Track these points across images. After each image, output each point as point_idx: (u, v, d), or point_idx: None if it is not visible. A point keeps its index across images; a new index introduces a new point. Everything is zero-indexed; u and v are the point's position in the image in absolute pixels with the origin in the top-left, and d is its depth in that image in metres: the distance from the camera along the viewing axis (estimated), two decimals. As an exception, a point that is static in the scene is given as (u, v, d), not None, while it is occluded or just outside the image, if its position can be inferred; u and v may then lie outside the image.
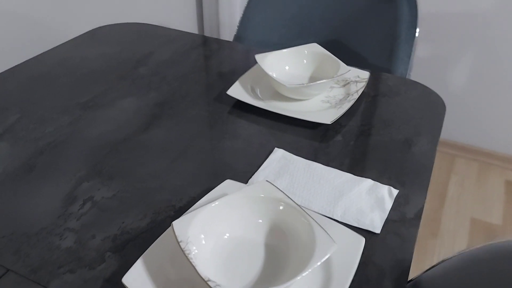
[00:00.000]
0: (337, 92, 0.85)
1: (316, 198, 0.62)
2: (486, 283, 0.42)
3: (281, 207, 0.54)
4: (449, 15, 1.62)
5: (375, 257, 0.54)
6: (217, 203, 0.53)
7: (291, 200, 0.54)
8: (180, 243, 0.48)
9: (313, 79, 0.88)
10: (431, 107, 0.84)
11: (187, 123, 0.79)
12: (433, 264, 0.57)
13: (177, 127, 0.78)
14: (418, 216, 0.60)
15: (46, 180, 0.66)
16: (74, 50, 1.05)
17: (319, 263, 0.46)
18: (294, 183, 0.64)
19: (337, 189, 0.63)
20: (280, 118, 0.78)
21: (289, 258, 0.51)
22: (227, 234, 0.54)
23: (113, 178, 0.67)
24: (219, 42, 1.12)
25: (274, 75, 0.84)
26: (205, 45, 1.09)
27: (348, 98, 0.82)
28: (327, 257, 0.46)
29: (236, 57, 1.07)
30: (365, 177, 0.65)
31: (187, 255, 0.47)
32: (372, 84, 0.89)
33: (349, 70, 0.83)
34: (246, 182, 0.65)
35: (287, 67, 0.89)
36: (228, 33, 1.77)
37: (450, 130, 1.77)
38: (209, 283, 0.44)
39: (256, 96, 0.84)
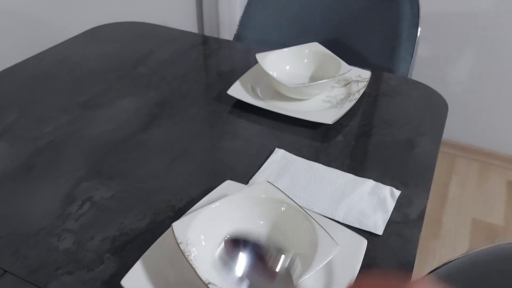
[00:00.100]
0: (338, 92, 0.84)
1: (318, 199, 0.61)
2: (491, 285, 0.41)
3: (282, 209, 0.53)
4: (451, 15, 1.61)
5: (378, 259, 0.54)
6: (217, 204, 0.52)
7: (292, 201, 0.53)
8: (180, 245, 0.47)
9: (314, 78, 0.88)
10: (433, 107, 0.83)
11: (187, 123, 0.79)
12: (435, 266, 0.57)
13: (177, 127, 0.77)
14: (420, 217, 0.59)
15: (45, 180, 0.66)
16: (74, 49, 1.04)
17: (321, 265, 0.45)
18: (295, 184, 0.64)
19: (338, 190, 0.62)
20: (280, 118, 0.78)
21: (291, 260, 0.50)
22: (228, 236, 0.53)
23: (113, 178, 0.66)
24: (219, 41, 1.12)
25: (275, 75, 0.83)
26: (205, 44, 1.09)
27: (349, 97, 0.81)
28: (329, 259, 0.45)
29: (236, 57, 1.06)
30: (367, 178, 0.65)
31: (187, 257, 0.46)
32: (373, 83, 0.89)
33: (350, 70, 0.83)
34: (246, 182, 0.64)
35: (287, 67, 0.88)
36: (228, 32, 1.76)
37: (451, 130, 1.76)
38: (210, 286, 0.43)
39: (256, 96, 0.83)
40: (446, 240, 1.49)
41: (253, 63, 0.88)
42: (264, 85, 0.86)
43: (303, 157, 0.69)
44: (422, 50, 1.66)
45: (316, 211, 0.59)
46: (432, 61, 1.71)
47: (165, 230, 0.54)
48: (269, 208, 0.54)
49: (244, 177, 0.65)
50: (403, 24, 1.15)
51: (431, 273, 0.59)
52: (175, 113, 0.81)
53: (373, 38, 1.21)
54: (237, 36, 1.25)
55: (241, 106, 0.81)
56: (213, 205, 0.52)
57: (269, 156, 0.69)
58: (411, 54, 1.14)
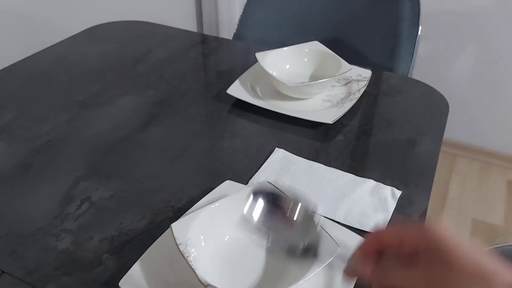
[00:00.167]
0: (339, 91, 0.84)
1: (318, 199, 0.60)
2: None
3: (282, 209, 0.53)
4: (452, 14, 1.61)
5: (378, 259, 0.53)
6: (217, 204, 0.52)
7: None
8: (179, 246, 0.47)
9: (314, 77, 0.87)
10: (434, 106, 0.83)
11: (186, 122, 0.78)
12: None
13: (176, 126, 0.77)
14: (422, 217, 0.59)
15: (43, 179, 0.65)
16: (72, 48, 1.03)
17: (321, 267, 0.44)
18: (295, 184, 0.63)
19: (339, 190, 0.62)
20: (280, 118, 0.77)
21: (291, 261, 0.50)
22: (227, 237, 0.52)
23: (111, 178, 0.66)
24: (219, 40, 1.11)
25: (275, 74, 0.83)
26: (204, 43, 1.08)
27: (350, 97, 0.81)
28: (330, 260, 0.45)
29: (236, 56, 1.05)
30: (368, 178, 0.64)
31: (186, 258, 0.45)
32: (373, 83, 0.88)
33: (351, 69, 0.82)
34: (246, 183, 0.63)
35: (287, 66, 0.88)
36: (227, 31, 1.75)
37: (451, 129, 1.75)
38: (209, 287, 0.43)
39: (256, 95, 0.83)
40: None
41: (252, 62, 0.88)
42: (264, 84, 0.85)
43: (303, 157, 0.68)
44: (421, 49, 1.66)
45: (316, 212, 0.58)
46: (432, 60, 1.71)
47: (164, 231, 0.54)
48: (269, 208, 0.53)
49: (244, 177, 0.65)
50: (404, 23, 1.15)
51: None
52: (174, 112, 0.81)
53: (373, 37, 1.21)
54: (237, 35, 1.24)
55: (240, 106, 0.81)
56: (213, 206, 0.52)
57: (269, 156, 0.69)
58: (412, 53, 1.13)
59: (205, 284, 0.43)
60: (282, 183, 0.63)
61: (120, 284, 0.47)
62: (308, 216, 0.38)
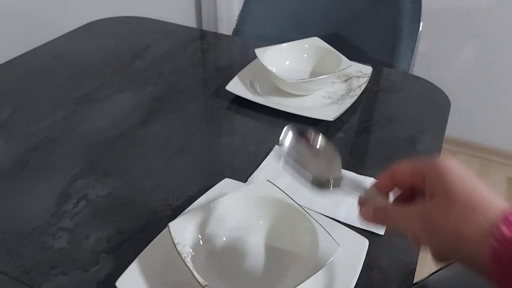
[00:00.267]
0: (339, 88, 0.83)
1: (318, 198, 0.60)
2: None
3: (282, 208, 0.52)
4: (453, 9, 1.60)
5: (380, 259, 0.52)
6: (215, 203, 0.51)
7: (292, 201, 0.52)
8: (177, 246, 0.46)
9: (314, 74, 0.86)
10: (435, 103, 0.82)
11: (185, 119, 0.77)
12: (437, 266, 0.56)
13: (174, 123, 0.76)
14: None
15: (40, 177, 0.64)
16: (69, 44, 1.02)
17: (322, 268, 0.44)
18: (295, 182, 0.62)
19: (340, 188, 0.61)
20: (280, 114, 0.76)
21: (290, 262, 0.49)
22: (226, 236, 0.52)
23: (109, 176, 0.65)
24: (218, 36, 1.10)
25: (274, 70, 0.82)
26: (203, 39, 1.07)
27: (350, 93, 0.80)
28: (330, 261, 0.44)
29: (235, 52, 1.04)
30: (369, 176, 0.63)
31: (183, 258, 0.45)
32: (374, 79, 0.87)
33: (351, 65, 0.81)
34: (245, 181, 0.63)
35: (287, 62, 0.87)
36: (226, 26, 1.74)
37: (451, 126, 1.74)
38: None
39: (255, 92, 0.82)
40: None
41: (252, 58, 0.87)
42: (263, 80, 0.84)
43: (303, 155, 0.67)
44: (420, 46, 1.65)
45: (317, 211, 0.57)
46: (431, 56, 1.70)
47: (162, 229, 0.53)
48: (269, 207, 0.52)
49: (243, 175, 0.64)
50: (404, 18, 1.14)
51: (434, 274, 0.58)
52: (172, 109, 0.80)
53: (373, 33, 1.20)
54: (236, 31, 1.23)
55: (239, 102, 0.80)
56: (211, 205, 0.51)
57: (268, 154, 0.68)
58: (412, 50, 1.12)
59: (203, 285, 0.42)
60: (282, 180, 0.62)
61: (117, 284, 0.47)
62: (332, 156, 0.42)
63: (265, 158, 0.67)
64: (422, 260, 0.52)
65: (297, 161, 0.43)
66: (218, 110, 0.80)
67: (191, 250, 0.46)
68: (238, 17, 1.23)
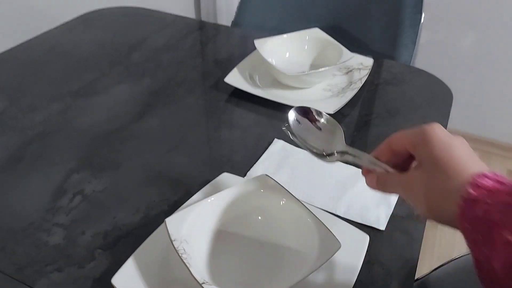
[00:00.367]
0: (340, 80, 0.81)
1: (318, 193, 0.59)
2: None
3: (281, 203, 0.51)
4: (454, 0, 1.58)
5: (380, 255, 0.51)
6: (213, 198, 0.50)
7: (292, 196, 0.51)
8: (174, 242, 0.45)
9: (314, 66, 0.85)
10: (437, 96, 0.81)
11: (183, 112, 0.76)
12: (434, 254, 0.55)
13: (172, 116, 0.75)
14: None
15: (35, 171, 0.63)
16: (65, 35, 1.00)
17: (322, 264, 0.43)
18: (295, 176, 0.61)
19: (340, 183, 0.60)
20: (280, 107, 0.75)
21: (290, 258, 0.48)
22: (224, 232, 0.51)
23: (105, 170, 0.64)
24: (217, 27, 1.08)
25: (274, 62, 0.81)
26: (201, 30, 1.05)
27: (351, 86, 0.78)
28: (330, 257, 0.43)
29: (234, 43, 1.03)
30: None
31: (180, 255, 0.44)
32: (375, 71, 0.86)
33: (352, 57, 0.80)
34: (244, 175, 0.62)
35: (287, 54, 0.85)
36: (225, 17, 1.72)
37: (451, 118, 1.74)
38: (204, 286, 0.41)
39: (254, 84, 0.80)
40: (446, 230, 1.47)
41: (251, 49, 0.85)
42: (262, 72, 0.83)
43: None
44: (421, 37, 1.63)
45: (317, 206, 0.56)
46: (431, 48, 1.68)
47: (160, 225, 0.52)
48: (268, 203, 0.51)
49: (242, 169, 0.63)
50: (406, 10, 1.12)
51: (436, 270, 0.57)
52: (170, 101, 0.78)
53: (375, 24, 1.18)
54: (235, 22, 1.21)
55: (238, 95, 0.79)
56: (209, 200, 0.50)
57: (267, 147, 0.67)
58: (414, 41, 1.11)
59: (200, 282, 0.41)
60: (282, 174, 0.61)
61: (112, 281, 0.46)
62: (335, 130, 0.47)
63: (264, 152, 0.66)
64: (423, 256, 0.51)
65: (302, 138, 0.46)
66: (217, 103, 0.78)
67: (188, 246, 0.45)
68: (237, 7, 1.21)
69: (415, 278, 0.52)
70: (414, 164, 0.40)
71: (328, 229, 0.46)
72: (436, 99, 0.80)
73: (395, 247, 0.53)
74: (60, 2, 1.18)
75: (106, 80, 0.84)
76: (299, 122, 0.47)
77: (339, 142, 0.46)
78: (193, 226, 0.48)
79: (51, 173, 0.63)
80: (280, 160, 0.64)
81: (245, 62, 0.84)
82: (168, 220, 0.47)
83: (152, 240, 0.50)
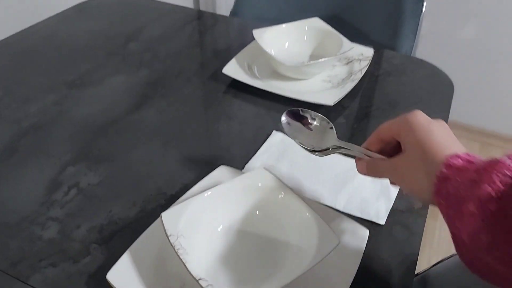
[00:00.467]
0: (340, 71, 0.80)
1: (318, 186, 0.58)
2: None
3: (279, 197, 0.50)
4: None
5: (380, 250, 0.51)
6: (209, 192, 0.49)
7: (290, 190, 0.50)
8: (170, 237, 0.44)
9: (314, 56, 0.83)
10: (438, 87, 0.79)
11: (180, 104, 0.75)
12: (434, 247, 0.54)
13: (169, 108, 0.74)
14: (426, 205, 0.56)
15: (29, 164, 0.62)
16: (60, 25, 0.99)
17: (319, 261, 0.42)
18: (294, 169, 0.60)
19: (339, 176, 0.59)
20: (278, 99, 0.74)
21: (287, 254, 0.47)
22: (221, 227, 0.50)
23: (101, 163, 0.62)
24: (215, 17, 1.06)
25: (273, 53, 0.79)
26: (200, 20, 1.04)
27: (351, 77, 0.77)
28: (329, 253, 0.42)
29: (233, 33, 1.01)
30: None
31: (177, 250, 0.43)
32: (376, 62, 0.84)
33: (353, 47, 0.78)
34: (242, 168, 0.61)
35: (286, 44, 0.84)
36: (224, 7, 1.70)
37: (450, 109, 1.73)
38: (201, 282, 0.40)
39: (253, 75, 0.79)
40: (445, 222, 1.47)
41: (250, 39, 0.84)
42: (261, 63, 0.81)
43: (302, 141, 0.65)
44: (423, 28, 1.61)
45: (316, 200, 0.55)
46: (432, 39, 1.66)
47: (156, 219, 0.51)
48: (266, 197, 0.50)
49: (240, 162, 0.62)
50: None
51: (436, 265, 0.57)
52: (167, 93, 0.77)
53: (375, 14, 1.16)
54: (234, 12, 1.20)
55: (237, 86, 0.77)
56: (206, 194, 0.49)
57: (266, 140, 0.66)
58: (415, 32, 1.09)
59: (197, 278, 0.41)
60: (280, 168, 0.60)
61: (107, 277, 0.45)
62: (327, 129, 0.50)
63: (262, 144, 0.65)
64: (422, 249, 0.51)
65: (296, 138, 0.49)
66: (215, 95, 0.77)
67: (185, 242, 0.44)
68: (236, -3, 1.20)
69: (415, 273, 0.51)
70: None
71: (327, 225, 0.45)
72: (437, 90, 0.78)
73: (395, 241, 0.52)
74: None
75: (102, 71, 0.83)
76: (290, 124, 0.50)
77: (331, 138, 0.48)
78: (189, 221, 0.47)
79: (45, 166, 0.62)
80: (279, 153, 0.63)
81: (244, 53, 0.83)
82: (164, 214, 0.46)
83: (148, 235, 0.49)
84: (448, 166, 0.36)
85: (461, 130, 1.80)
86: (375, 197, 0.56)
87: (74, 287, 0.47)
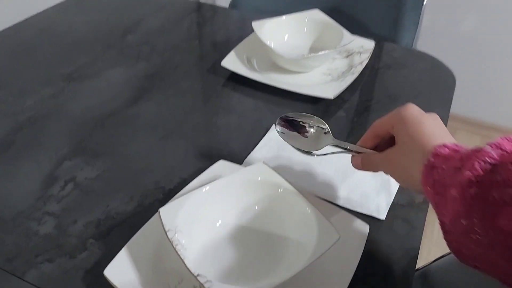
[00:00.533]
0: (340, 64, 0.79)
1: (317, 181, 0.57)
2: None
3: (279, 192, 0.49)
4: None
5: (381, 245, 0.50)
6: (208, 187, 0.48)
7: (289, 184, 0.49)
8: (168, 233, 0.43)
9: (314, 49, 0.82)
10: (440, 80, 0.78)
11: (179, 97, 0.74)
12: (433, 239, 0.54)
13: (167, 101, 0.73)
14: (426, 200, 0.55)
15: (25, 158, 0.61)
16: (58, 17, 0.97)
17: (320, 256, 0.41)
18: (294, 164, 0.59)
19: (339, 171, 0.58)
20: (278, 92, 0.73)
21: (287, 249, 0.47)
22: (220, 222, 0.49)
23: (98, 157, 0.62)
24: (214, 8, 1.05)
25: (272, 45, 0.78)
26: (198, 12, 1.02)
27: (352, 70, 0.76)
28: (329, 249, 0.42)
29: (232, 25, 1.00)
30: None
31: (175, 246, 0.42)
32: (376, 55, 0.83)
33: (353, 40, 0.77)
34: (241, 162, 0.60)
35: (286, 36, 0.83)
36: (224, -1, 1.68)
37: (452, 102, 1.72)
38: (199, 278, 0.40)
39: (252, 68, 0.78)
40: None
41: (249, 32, 0.83)
42: (260, 56, 0.80)
43: (301, 135, 0.64)
44: (424, 20, 1.59)
45: (316, 194, 0.55)
46: (433, 31, 1.65)
47: (154, 214, 0.50)
48: (265, 191, 0.50)
49: (239, 156, 0.61)
50: (409, -9, 1.09)
51: (438, 260, 0.56)
52: (166, 86, 0.76)
53: (376, 6, 1.15)
54: (233, 3, 1.18)
55: (236, 79, 0.76)
56: (204, 189, 0.48)
57: (265, 134, 0.65)
58: (416, 24, 1.08)
59: (195, 274, 0.40)
60: (280, 162, 0.59)
61: (105, 273, 0.44)
62: (322, 134, 0.50)
63: (262, 138, 0.64)
64: (424, 246, 0.50)
65: (291, 142, 0.50)
66: (213, 88, 0.76)
67: (183, 237, 0.44)
68: (235, -11, 1.18)
69: (416, 268, 0.51)
70: None
71: (327, 220, 0.44)
72: (438, 83, 0.77)
73: (396, 236, 0.51)
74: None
75: (100, 64, 0.82)
76: (284, 134, 0.51)
77: (327, 140, 0.49)
78: (188, 216, 0.46)
79: (42, 160, 0.61)
80: (278, 146, 0.62)
81: (243, 45, 0.82)
82: (162, 210, 0.45)
83: (145, 230, 0.48)
84: (436, 155, 0.37)
85: (461, 123, 1.79)
86: (376, 192, 0.55)
87: (71, 283, 0.46)
